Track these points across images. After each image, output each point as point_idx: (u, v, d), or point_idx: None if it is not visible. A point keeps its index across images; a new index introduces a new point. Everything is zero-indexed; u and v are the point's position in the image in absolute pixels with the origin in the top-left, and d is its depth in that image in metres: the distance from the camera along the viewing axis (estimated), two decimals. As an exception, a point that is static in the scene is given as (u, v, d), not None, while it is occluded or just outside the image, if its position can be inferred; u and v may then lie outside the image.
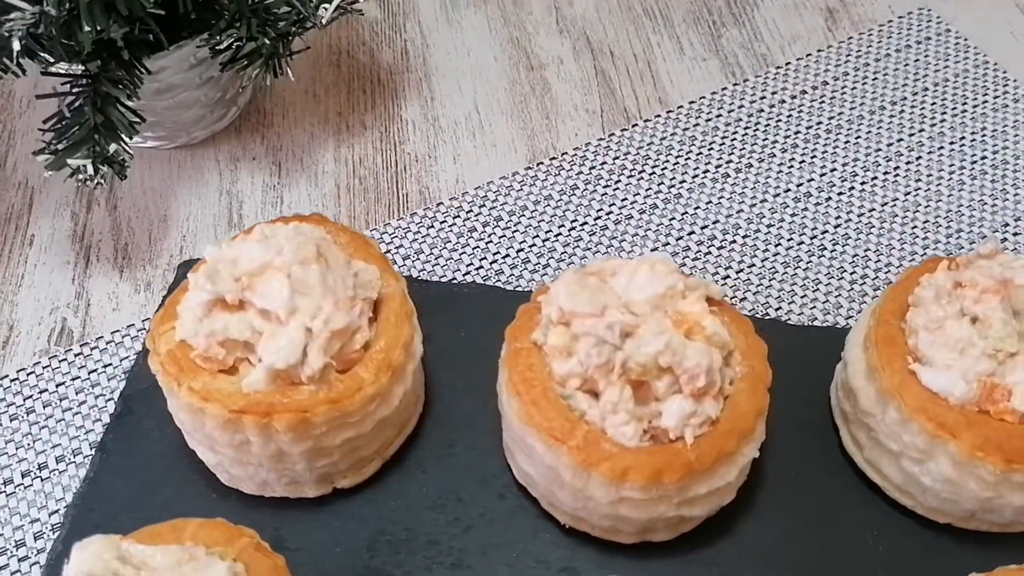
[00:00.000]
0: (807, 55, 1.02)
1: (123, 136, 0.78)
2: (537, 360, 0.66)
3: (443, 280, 0.86)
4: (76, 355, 0.84)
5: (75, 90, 0.78)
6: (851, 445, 0.72)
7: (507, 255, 0.88)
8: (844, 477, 0.73)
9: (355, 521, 0.72)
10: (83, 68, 0.78)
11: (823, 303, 0.84)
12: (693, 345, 0.62)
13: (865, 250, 0.87)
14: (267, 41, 0.80)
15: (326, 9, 0.81)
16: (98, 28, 0.69)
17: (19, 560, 0.73)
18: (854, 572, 0.69)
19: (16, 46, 0.66)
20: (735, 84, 1.00)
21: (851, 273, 0.85)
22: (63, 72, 0.80)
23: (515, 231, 0.89)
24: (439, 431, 0.76)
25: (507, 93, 1.01)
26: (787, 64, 1.01)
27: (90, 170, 0.77)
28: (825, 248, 0.87)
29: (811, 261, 0.86)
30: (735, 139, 0.95)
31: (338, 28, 1.07)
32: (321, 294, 0.64)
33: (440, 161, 0.95)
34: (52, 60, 0.81)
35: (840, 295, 0.84)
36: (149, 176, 0.95)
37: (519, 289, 0.85)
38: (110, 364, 0.83)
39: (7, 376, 0.82)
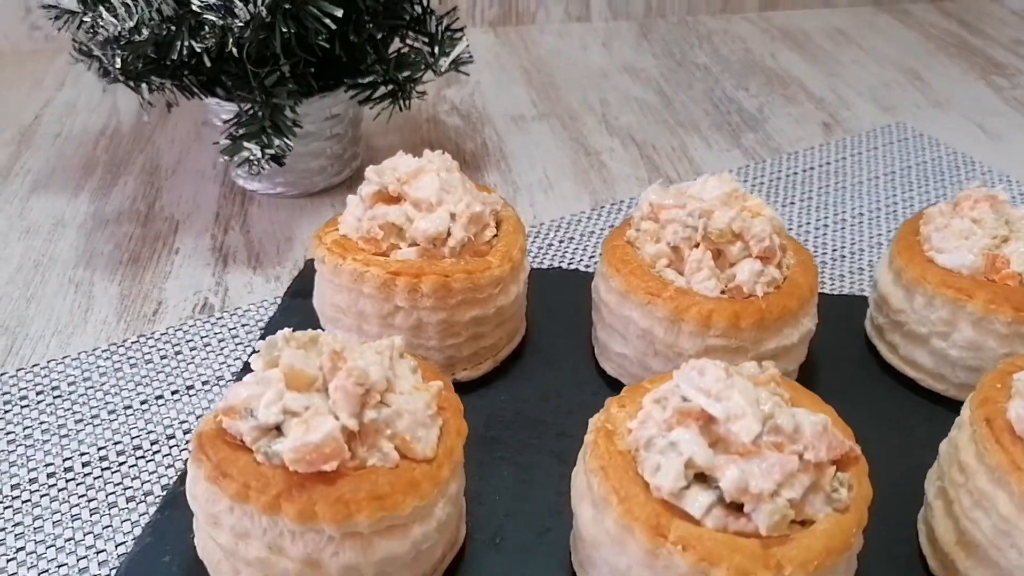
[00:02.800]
0: (810, 147, 1.27)
1: (286, 135, 0.99)
2: (630, 251, 0.82)
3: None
4: (218, 318, 0.98)
5: (254, 99, 1.00)
6: (887, 352, 0.86)
7: (581, 259, 1.05)
8: (885, 382, 0.86)
9: (471, 408, 0.81)
10: (255, 88, 1.01)
11: (845, 292, 1.01)
12: (758, 218, 0.79)
13: (870, 261, 1.05)
14: (400, 80, 1.03)
15: (444, 61, 1.05)
16: (293, 30, 0.92)
17: (161, 455, 0.83)
18: (906, 444, 0.80)
19: (236, 29, 0.88)
20: (756, 163, 1.23)
21: (859, 275, 1.03)
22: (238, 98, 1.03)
23: (585, 247, 1.08)
24: (539, 355, 0.90)
25: (571, 168, 1.23)
26: (795, 152, 1.26)
27: (257, 154, 0.97)
28: (845, 256, 1.05)
29: (834, 265, 1.04)
30: (758, 194, 1.17)
31: (428, 131, 1.32)
32: (462, 191, 0.82)
33: (519, 206, 1.15)
34: (229, 90, 1.04)
35: (854, 289, 1.01)
36: (275, 214, 1.14)
37: (596, 272, 1.02)
38: (247, 324, 0.97)
39: (156, 331, 0.96)
